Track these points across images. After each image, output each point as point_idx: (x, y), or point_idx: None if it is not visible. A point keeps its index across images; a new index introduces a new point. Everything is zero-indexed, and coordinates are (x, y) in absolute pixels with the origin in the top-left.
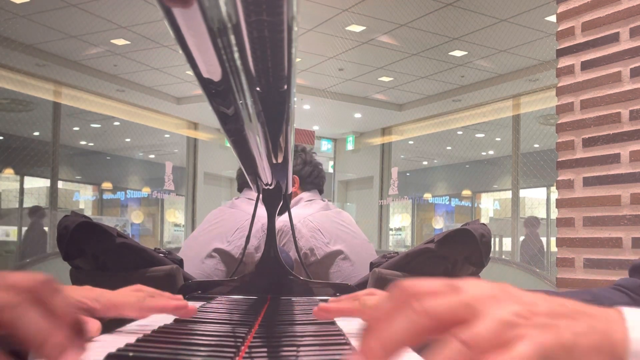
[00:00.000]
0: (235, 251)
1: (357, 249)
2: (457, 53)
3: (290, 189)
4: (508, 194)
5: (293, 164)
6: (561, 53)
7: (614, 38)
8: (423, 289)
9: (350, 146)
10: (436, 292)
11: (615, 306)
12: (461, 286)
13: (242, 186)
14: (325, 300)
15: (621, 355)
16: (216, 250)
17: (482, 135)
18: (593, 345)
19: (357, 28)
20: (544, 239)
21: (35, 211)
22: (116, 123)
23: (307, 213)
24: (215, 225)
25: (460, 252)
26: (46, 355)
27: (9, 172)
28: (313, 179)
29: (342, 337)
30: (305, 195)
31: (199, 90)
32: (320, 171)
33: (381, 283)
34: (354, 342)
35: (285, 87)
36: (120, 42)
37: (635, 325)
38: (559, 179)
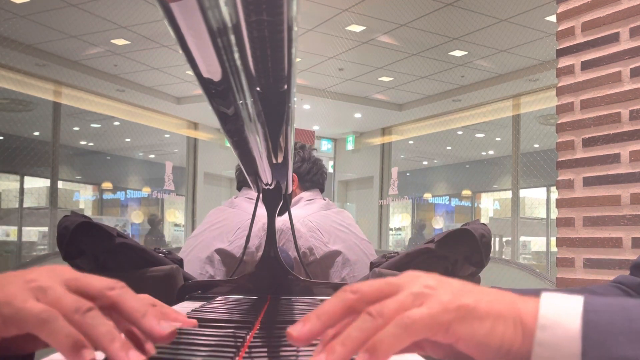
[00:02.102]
0: (237, 250)
1: (356, 249)
2: (457, 53)
3: (291, 189)
4: (508, 194)
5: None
6: (561, 53)
7: (614, 38)
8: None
9: (350, 146)
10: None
11: None
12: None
13: (241, 184)
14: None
15: (530, 325)
16: (217, 250)
17: (482, 135)
18: (496, 311)
19: (357, 28)
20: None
21: (154, 220)
22: (116, 123)
23: (306, 213)
24: (216, 226)
25: (460, 252)
26: (147, 325)
27: (9, 172)
28: (312, 176)
29: None
30: (305, 194)
31: (199, 90)
32: (320, 168)
33: None
34: None
35: (285, 87)
36: (120, 42)
37: (548, 301)
38: (559, 179)
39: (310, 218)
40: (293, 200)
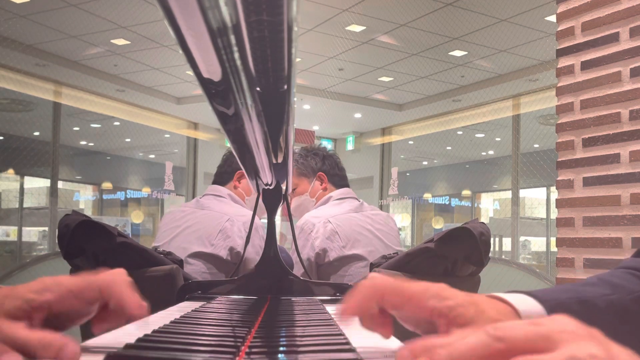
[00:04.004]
0: (223, 253)
1: (376, 256)
2: (457, 53)
3: (290, 189)
4: (508, 194)
5: (314, 162)
6: (561, 53)
7: (614, 38)
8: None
9: (350, 146)
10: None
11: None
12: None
13: (219, 179)
14: (328, 301)
15: None
16: (196, 253)
17: (482, 135)
18: None
19: (357, 28)
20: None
21: None
22: (116, 123)
23: (332, 213)
24: (191, 229)
25: (459, 251)
26: None
27: (9, 172)
28: (330, 168)
29: (342, 338)
30: (335, 193)
31: (199, 90)
32: (336, 160)
33: None
34: (355, 343)
35: (285, 87)
36: (120, 42)
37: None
38: (558, 179)
39: (333, 219)
40: (322, 199)
